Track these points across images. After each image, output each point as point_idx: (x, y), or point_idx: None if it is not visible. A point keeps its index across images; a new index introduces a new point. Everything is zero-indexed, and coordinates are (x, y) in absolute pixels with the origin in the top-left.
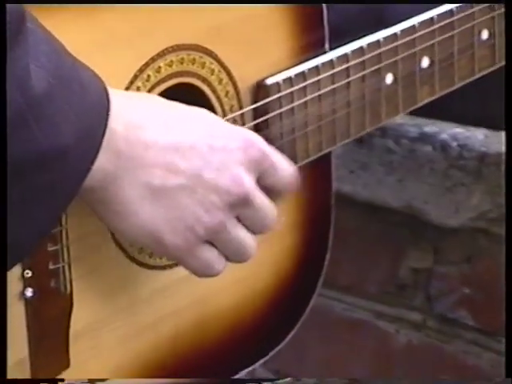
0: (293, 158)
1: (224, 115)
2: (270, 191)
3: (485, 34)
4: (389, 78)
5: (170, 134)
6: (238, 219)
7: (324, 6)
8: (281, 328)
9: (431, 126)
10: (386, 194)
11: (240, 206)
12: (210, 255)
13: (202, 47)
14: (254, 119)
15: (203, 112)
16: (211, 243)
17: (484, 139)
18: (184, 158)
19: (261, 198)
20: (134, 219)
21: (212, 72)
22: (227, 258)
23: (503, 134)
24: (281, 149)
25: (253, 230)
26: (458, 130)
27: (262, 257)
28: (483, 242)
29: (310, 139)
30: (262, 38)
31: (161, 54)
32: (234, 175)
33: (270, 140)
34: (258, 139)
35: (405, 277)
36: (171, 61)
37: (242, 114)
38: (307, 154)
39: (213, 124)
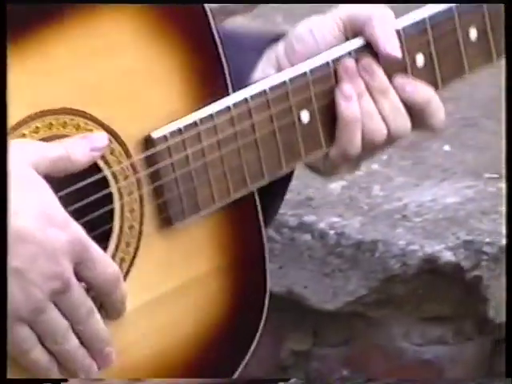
0: (195, 205)
1: (112, 172)
2: (89, 286)
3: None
4: (305, 116)
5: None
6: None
7: (222, 55)
8: (218, 376)
9: (310, 216)
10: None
11: (60, 294)
12: (27, 334)
13: (71, 109)
14: (148, 174)
15: (40, 195)
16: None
17: (360, 227)
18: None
19: (78, 287)
20: None
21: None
22: (43, 340)
23: (378, 222)
24: (179, 198)
25: (70, 317)
26: (335, 219)
27: (182, 303)
28: (360, 325)
29: (214, 186)
30: (150, 92)
31: (22, 123)
32: (55, 266)
33: (165, 191)
34: (82, 232)
35: (286, 358)
36: (37, 127)
37: (135, 169)
38: (212, 200)
39: (46, 210)
